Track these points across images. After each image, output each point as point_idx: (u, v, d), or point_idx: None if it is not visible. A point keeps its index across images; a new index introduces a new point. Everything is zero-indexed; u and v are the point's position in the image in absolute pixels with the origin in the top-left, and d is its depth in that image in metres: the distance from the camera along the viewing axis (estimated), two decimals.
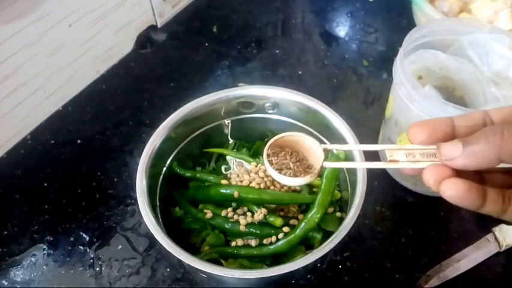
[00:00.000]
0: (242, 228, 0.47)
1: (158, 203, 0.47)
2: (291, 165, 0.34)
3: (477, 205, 0.27)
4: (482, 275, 0.52)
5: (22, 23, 0.58)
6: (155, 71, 0.75)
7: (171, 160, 0.51)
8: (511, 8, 0.67)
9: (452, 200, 0.27)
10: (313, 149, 0.34)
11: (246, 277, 0.39)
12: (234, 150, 0.54)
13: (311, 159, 0.35)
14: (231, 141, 0.55)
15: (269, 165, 0.34)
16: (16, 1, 0.56)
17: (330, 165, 0.34)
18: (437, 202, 0.57)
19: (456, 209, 0.58)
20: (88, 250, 0.55)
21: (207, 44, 0.79)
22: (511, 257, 0.53)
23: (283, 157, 0.35)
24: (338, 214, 0.49)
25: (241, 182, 0.48)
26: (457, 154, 0.27)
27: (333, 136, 0.49)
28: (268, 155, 0.34)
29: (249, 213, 0.48)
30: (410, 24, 0.75)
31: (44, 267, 0.54)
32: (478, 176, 0.30)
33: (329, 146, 0.34)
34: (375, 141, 0.63)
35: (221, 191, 0.48)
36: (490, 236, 0.54)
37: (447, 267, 0.52)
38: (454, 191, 0.27)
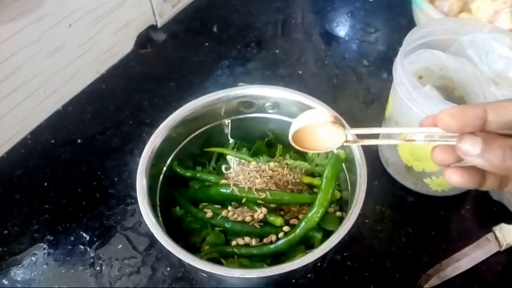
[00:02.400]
0: (242, 227, 0.47)
1: (158, 203, 0.47)
2: None
3: (477, 184, 0.29)
4: (482, 274, 0.52)
5: (22, 22, 0.58)
6: (155, 71, 0.75)
7: (171, 160, 0.51)
8: (511, 7, 0.67)
9: (453, 184, 0.29)
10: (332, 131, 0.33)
11: (246, 276, 0.39)
12: (234, 149, 0.54)
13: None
14: (231, 140, 0.55)
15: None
16: (16, 1, 0.56)
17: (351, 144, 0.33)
18: (437, 202, 0.57)
19: (456, 208, 0.58)
20: (88, 249, 0.55)
21: (207, 44, 0.79)
22: (511, 256, 0.53)
23: None
24: (338, 214, 0.49)
25: (242, 181, 0.48)
26: (474, 153, 0.27)
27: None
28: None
29: (249, 213, 0.48)
30: (410, 24, 0.75)
31: (45, 266, 0.54)
32: None
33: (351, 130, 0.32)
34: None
35: (221, 190, 0.48)
36: (490, 236, 0.54)
37: (447, 266, 0.52)
38: (456, 180, 0.29)
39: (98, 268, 0.53)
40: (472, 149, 0.27)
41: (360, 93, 0.71)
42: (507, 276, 0.52)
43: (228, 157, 0.53)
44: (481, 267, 0.53)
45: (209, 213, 0.49)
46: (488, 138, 0.27)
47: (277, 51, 0.78)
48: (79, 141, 0.66)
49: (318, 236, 0.46)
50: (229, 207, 0.49)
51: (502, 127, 0.28)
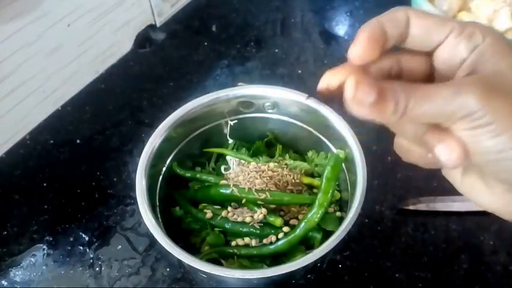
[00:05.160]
0: (242, 227, 0.47)
1: (158, 203, 0.47)
2: None
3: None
4: (482, 274, 0.52)
5: (21, 22, 0.58)
6: (154, 71, 0.75)
7: (171, 160, 0.51)
8: (510, 6, 0.67)
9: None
10: None
11: (246, 277, 0.39)
12: (234, 150, 0.54)
13: None
14: (230, 141, 0.55)
15: None
16: (15, 1, 0.56)
17: None
18: None
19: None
20: (88, 250, 0.55)
21: (206, 43, 0.79)
22: (511, 255, 0.53)
23: None
24: (338, 214, 0.49)
25: (241, 182, 0.48)
26: (369, 100, 0.23)
27: (333, 135, 0.49)
28: None
29: (249, 213, 0.47)
30: None
31: (44, 267, 0.54)
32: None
33: None
34: (375, 140, 0.63)
35: (221, 191, 0.48)
36: None
37: (440, 201, 0.52)
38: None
39: (97, 269, 0.53)
40: (365, 100, 0.23)
41: None
42: (507, 276, 0.52)
43: (228, 157, 0.53)
44: (480, 267, 0.53)
45: (209, 214, 0.48)
46: (379, 82, 0.24)
47: (276, 50, 0.78)
48: (78, 141, 0.66)
49: (318, 236, 0.46)
50: (229, 208, 0.49)
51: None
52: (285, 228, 0.46)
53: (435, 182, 0.58)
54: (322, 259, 0.40)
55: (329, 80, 0.26)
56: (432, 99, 0.23)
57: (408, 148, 0.29)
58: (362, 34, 0.25)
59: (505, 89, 0.23)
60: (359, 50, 0.26)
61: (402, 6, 0.26)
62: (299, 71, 0.74)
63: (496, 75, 0.24)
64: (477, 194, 0.28)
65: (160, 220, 0.45)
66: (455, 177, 0.28)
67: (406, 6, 0.26)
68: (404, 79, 0.28)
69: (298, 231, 0.45)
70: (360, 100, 0.23)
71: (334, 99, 0.26)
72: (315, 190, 0.50)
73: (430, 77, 0.27)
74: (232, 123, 0.53)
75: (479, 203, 0.28)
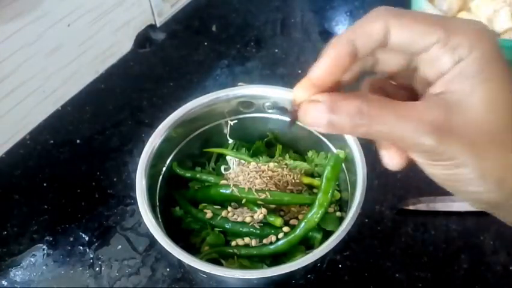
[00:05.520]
0: (242, 227, 0.47)
1: (158, 203, 0.47)
2: None
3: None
4: (482, 274, 0.52)
5: (21, 22, 0.58)
6: (154, 71, 0.75)
7: (171, 160, 0.51)
8: (510, 6, 0.67)
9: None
10: None
11: (246, 277, 0.39)
12: (234, 150, 0.54)
13: None
14: (230, 141, 0.55)
15: None
16: (15, 1, 0.56)
17: None
18: None
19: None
20: (88, 250, 0.55)
21: (206, 43, 0.79)
22: (511, 255, 0.53)
23: None
24: (338, 214, 0.49)
25: (241, 182, 0.48)
26: (321, 123, 0.24)
27: (333, 135, 0.49)
28: None
29: (249, 213, 0.47)
30: None
31: (44, 267, 0.54)
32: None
33: None
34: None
35: (221, 191, 0.48)
36: None
37: (440, 201, 0.52)
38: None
39: (97, 269, 0.53)
40: (318, 118, 0.24)
41: None
42: (507, 276, 0.52)
43: (228, 157, 0.53)
44: (480, 267, 0.53)
45: (209, 214, 0.48)
46: (333, 102, 0.24)
47: (276, 50, 0.78)
48: (78, 141, 0.66)
49: (318, 236, 0.46)
50: (229, 208, 0.49)
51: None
52: (285, 228, 0.46)
53: (435, 182, 0.58)
54: (322, 259, 0.40)
55: (298, 96, 0.26)
56: (392, 129, 0.23)
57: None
58: (326, 55, 0.24)
59: (464, 127, 0.23)
60: (318, 72, 0.25)
61: (385, 10, 0.24)
62: (299, 71, 0.74)
63: (461, 108, 0.23)
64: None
65: (160, 220, 0.45)
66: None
67: (390, 9, 0.24)
68: (379, 71, 0.27)
69: (298, 231, 0.45)
70: (315, 123, 0.25)
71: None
72: (315, 190, 0.50)
73: (408, 70, 0.26)
74: (232, 123, 0.53)
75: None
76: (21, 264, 0.54)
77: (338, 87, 0.26)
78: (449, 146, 0.23)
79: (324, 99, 0.24)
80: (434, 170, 0.25)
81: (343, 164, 0.48)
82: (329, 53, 0.24)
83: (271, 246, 0.46)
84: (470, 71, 0.23)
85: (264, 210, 0.47)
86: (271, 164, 0.50)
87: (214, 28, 0.82)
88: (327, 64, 0.25)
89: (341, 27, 0.83)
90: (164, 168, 0.50)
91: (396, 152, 0.27)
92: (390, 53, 0.26)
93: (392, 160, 0.27)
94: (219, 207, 0.49)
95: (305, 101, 0.25)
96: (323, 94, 0.25)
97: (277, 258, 0.47)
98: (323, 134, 0.51)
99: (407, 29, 0.24)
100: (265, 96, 0.51)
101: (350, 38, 0.24)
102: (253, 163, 0.50)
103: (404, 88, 0.28)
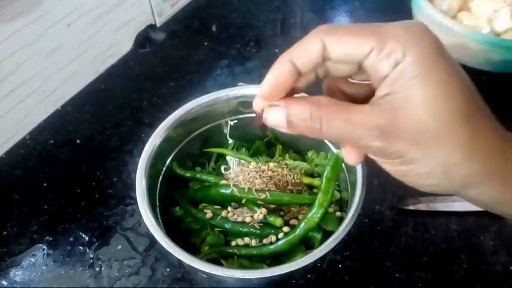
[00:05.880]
0: (242, 227, 0.47)
1: (158, 203, 0.47)
2: None
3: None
4: (482, 274, 0.52)
5: (21, 22, 0.58)
6: (154, 71, 0.75)
7: (171, 160, 0.51)
8: (510, 6, 0.67)
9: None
10: None
11: (246, 277, 0.39)
12: (234, 150, 0.54)
13: None
14: (230, 141, 0.55)
15: None
16: (15, 1, 0.56)
17: None
18: None
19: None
20: (88, 250, 0.55)
21: (206, 43, 0.79)
22: (511, 255, 0.53)
23: None
24: (338, 214, 0.49)
25: (241, 182, 0.48)
26: (282, 123, 0.28)
27: None
28: None
29: (249, 213, 0.47)
30: None
31: (44, 267, 0.54)
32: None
33: None
34: None
35: (221, 191, 0.48)
36: None
37: (440, 201, 0.52)
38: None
39: (97, 269, 0.53)
40: (277, 118, 0.28)
41: None
42: (507, 276, 0.52)
43: (228, 157, 0.53)
44: (480, 267, 0.53)
45: (209, 214, 0.48)
46: (288, 106, 0.27)
47: (276, 50, 0.78)
48: (78, 141, 0.66)
49: (318, 236, 0.46)
50: (229, 208, 0.49)
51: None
52: (285, 228, 0.46)
53: None
54: (322, 259, 0.40)
55: (256, 106, 0.30)
56: (342, 132, 0.26)
57: None
58: (269, 77, 0.27)
59: (408, 127, 0.25)
60: (265, 91, 0.28)
61: (320, 29, 0.26)
62: None
63: (404, 108, 0.25)
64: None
65: (160, 220, 0.45)
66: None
67: (326, 27, 0.26)
68: (334, 76, 0.29)
69: (298, 231, 0.45)
70: (277, 123, 0.28)
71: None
72: (315, 190, 0.50)
73: (361, 71, 0.28)
74: (232, 123, 0.53)
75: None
76: (21, 264, 0.54)
77: (293, 92, 0.29)
78: (396, 146, 0.25)
79: (281, 104, 0.28)
80: (387, 166, 0.28)
81: (343, 164, 0.48)
82: (273, 72, 0.27)
83: (271, 246, 0.46)
84: (407, 73, 0.24)
85: (264, 210, 0.47)
86: (271, 164, 0.50)
87: (214, 28, 0.82)
88: (271, 82, 0.27)
89: None
90: (164, 168, 0.50)
91: (352, 150, 0.29)
92: (337, 63, 0.28)
93: (349, 157, 0.30)
94: (219, 207, 0.49)
95: (266, 106, 0.29)
96: (281, 100, 0.28)
97: (277, 258, 0.47)
98: None
99: (341, 43, 0.26)
100: None
101: (289, 58, 0.27)
102: (253, 163, 0.50)
103: (364, 85, 0.29)
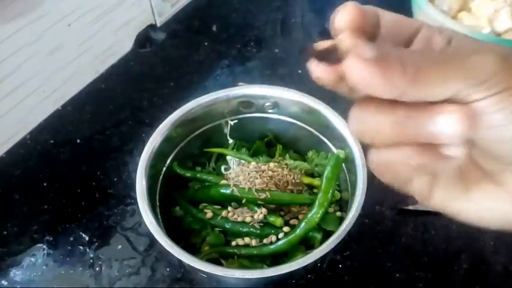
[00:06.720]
0: (242, 227, 0.47)
1: (158, 203, 0.47)
2: None
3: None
4: (482, 274, 0.52)
5: (21, 22, 0.58)
6: (154, 71, 0.75)
7: (171, 160, 0.51)
8: (510, 6, 0.67)
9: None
10: None
11: (246, 277, 0.39)
12: (234, 150, 0.54)
13: None
14: (230, 141, 0.55)
15: None
16: (15, 1, 0.56)
17: None
18: None
19: None
20: (88, 250, 0.55)
21: (206, 43, 0.79)
22: (511, 255, 0.53)
23: None
24: (338, 214, 0.49)
25: (241, 182, 0.48)
26: (370, 54, 0.19)
27: (333, 135, 0.49)
28: None
29: (249, 213, 0.47)
30: None
31: (44, 267, 0.54)
32: None
33: None
34: None
35: (221, 191, 0.48)
36: None
37: None
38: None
39: (97, 269, 0.53)
40: (368, 51, 0.19)
41: None
42: (507, 276, 0.52)
43: (228, 157, 0.53)
44: (480, 267, 0.53)
45: (209, 214, 0.48)
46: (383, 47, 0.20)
47: (276, 50, 0.78)
48: (78, 141, 0.66)
49: (318, 236, 0.46)
50: (229, 208, 0.49)
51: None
52: (285, 228, 0.46)
53: None
54: (322, 259, 0.40)
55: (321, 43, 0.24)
56: (447, 63, 0.19)
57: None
58: (348, 4, 0.23)
59: None
60: (347, 15, 0.23)
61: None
62: (299, 71, 0.74)
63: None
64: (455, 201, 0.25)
65: (160, 220, 0.45)
66: (424, 187, 0.25)
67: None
68: None
69: (298, 231, 0.45)
70: (361, 54, 0.20)
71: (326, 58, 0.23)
72: (315, 190, 0.50)
73: None
74: (232, 123, 0.53)
75: (457, 210, 0.25)
76: (21, 264, 0.54)
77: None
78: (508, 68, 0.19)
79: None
80: (490, 113, 0.19)
81: (343, 164, 0.48)
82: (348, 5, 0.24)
83: (272, 246, 0.46)
84: (466, 42, 0.22)
85: (264, 210, 0.47)
86: (272, 164, 0.50)
87: (214, 28, 0.82)
88: (352, 7, 0.23)
89: None
90: (164, 168, 0.50)
91: (457, 107, 0.19)
92: None
93: (459, 119, 0.19)
94: (219, 207, 0.49)
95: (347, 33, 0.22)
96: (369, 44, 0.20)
97: (277, 258, 0.47)
98: (323, 134, 0.51)
99: (392, 14, 0.26)
100: (265, 96, 0.51)
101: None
102: (253, 163, 0.50)
103: None
